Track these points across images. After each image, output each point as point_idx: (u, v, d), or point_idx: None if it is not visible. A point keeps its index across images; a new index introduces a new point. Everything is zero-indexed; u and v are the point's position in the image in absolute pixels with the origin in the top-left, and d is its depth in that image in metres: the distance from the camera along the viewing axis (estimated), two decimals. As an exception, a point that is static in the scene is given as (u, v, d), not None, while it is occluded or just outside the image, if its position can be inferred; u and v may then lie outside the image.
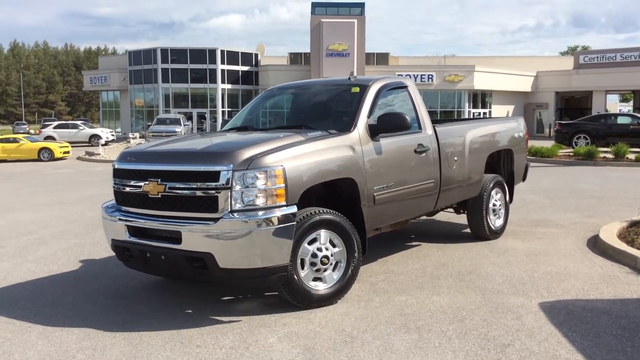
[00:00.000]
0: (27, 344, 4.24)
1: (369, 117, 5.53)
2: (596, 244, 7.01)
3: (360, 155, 5.24)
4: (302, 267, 4.79)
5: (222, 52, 46.34)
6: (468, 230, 7.61)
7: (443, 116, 44.98)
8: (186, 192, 4.56)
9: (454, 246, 7.10)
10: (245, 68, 47.85)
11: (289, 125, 6.10)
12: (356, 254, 5.08)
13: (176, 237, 4.56)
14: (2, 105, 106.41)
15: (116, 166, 5.11)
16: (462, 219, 8.00)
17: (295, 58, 53.34)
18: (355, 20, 44.38)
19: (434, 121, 6.71)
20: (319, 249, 4.85)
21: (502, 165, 7.97)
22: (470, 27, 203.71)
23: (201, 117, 46.49)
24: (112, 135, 39.62)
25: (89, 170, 20.87)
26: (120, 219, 4.98)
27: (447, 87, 46.02)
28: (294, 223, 4.54)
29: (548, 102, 49.19)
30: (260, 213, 4.44)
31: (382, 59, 51.43)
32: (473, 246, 7.08)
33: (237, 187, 4.42)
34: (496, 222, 7.50)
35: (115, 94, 53.03)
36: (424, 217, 8.47)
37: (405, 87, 6.25)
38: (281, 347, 4.11)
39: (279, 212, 4.48)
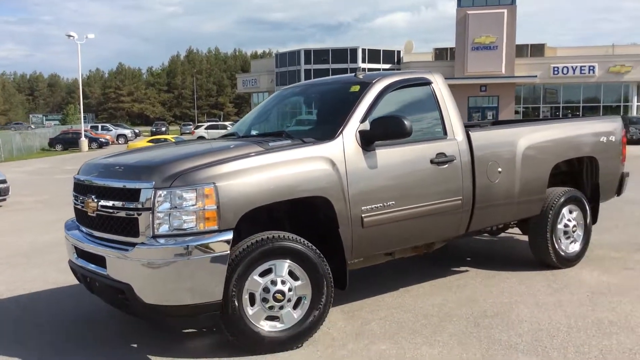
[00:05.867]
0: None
1: (362, 121, 4.58)
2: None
3: (340, 168, 4.32)
4: (252, 304, 4.03)
5: (364, 50, 46.03)
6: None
7: (608, 112, 40.53)
8: (111, 211, 4.02)
9: (507, 275, 5.81)
10: (387, 66, 46.95)
11: (272, 132, 5.32)
12: (325, 289, 4.19)
13: (104, 262, 4.04)
14: (178, 107, 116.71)
15: (75, 178, 4.70)
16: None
17: (440, 53, 51.10)
18: (505, 10, 41.33)
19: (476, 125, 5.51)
20: (273, 282, 4.05)
21: (585, 176, 6.43)
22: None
23: (344, 116, 46.59)
24: (258, 135, 41.13)
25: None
26: (68, 238, 4.58)
27: (611, 80, 41.31)
28: (227, 252, 3.79)
29: None
30: (187, 239, 3.76)
31: (537, 50, 47.40)
32: (531, 277, 5.73)
33: (160, 208, 3.78)
34: (569, 247, 6.04)
35: (264, 96, 55.11)
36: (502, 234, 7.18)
37: (429, 83, 5.15)
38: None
39: (209, 239, 3.76)
